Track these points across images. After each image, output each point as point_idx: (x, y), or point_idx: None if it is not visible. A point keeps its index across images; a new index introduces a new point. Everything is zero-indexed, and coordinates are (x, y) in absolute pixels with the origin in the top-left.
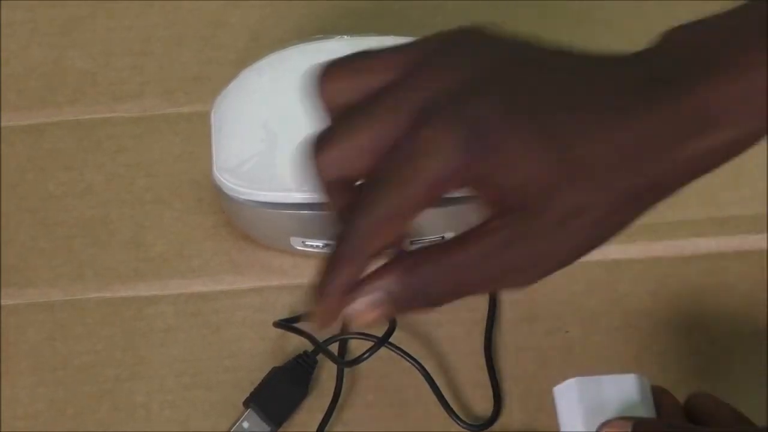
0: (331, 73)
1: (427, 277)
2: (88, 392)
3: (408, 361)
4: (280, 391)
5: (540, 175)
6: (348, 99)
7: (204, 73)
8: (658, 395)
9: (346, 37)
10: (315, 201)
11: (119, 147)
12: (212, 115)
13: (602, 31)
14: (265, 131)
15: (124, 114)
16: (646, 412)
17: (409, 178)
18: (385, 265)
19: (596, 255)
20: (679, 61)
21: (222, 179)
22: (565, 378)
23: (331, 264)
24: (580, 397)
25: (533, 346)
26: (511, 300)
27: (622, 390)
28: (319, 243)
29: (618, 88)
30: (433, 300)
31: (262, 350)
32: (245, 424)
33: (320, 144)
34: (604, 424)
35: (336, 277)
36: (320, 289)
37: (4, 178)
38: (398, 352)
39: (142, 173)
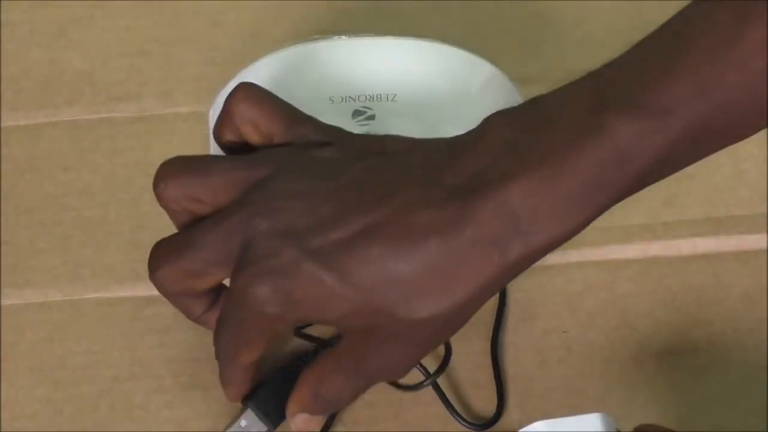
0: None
1: (323, 403)
2: (86, 392)
3: None
4: (279, 390)
5: (344, 313)
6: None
7: (202, 73)
8: None
9: (343, 37)
10: None
11: (117, 147)
12: (210, 115)
13: (596, 30)
14: None
15: (122, 114)
16: None
17: (240, 323)
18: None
19: (594, 255)
20: (485, 168)
21: None
22: (562, 378)
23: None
24: None
25: (531, 346)
26: (509, 301)
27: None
28: None
29: (419, 206)
30: (342, 404)
31: None
32: (243, 423)
33: (156, 262)
34: None
35: (229, 392)
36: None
37: (2, 179)
38: None
39: (141, 173)
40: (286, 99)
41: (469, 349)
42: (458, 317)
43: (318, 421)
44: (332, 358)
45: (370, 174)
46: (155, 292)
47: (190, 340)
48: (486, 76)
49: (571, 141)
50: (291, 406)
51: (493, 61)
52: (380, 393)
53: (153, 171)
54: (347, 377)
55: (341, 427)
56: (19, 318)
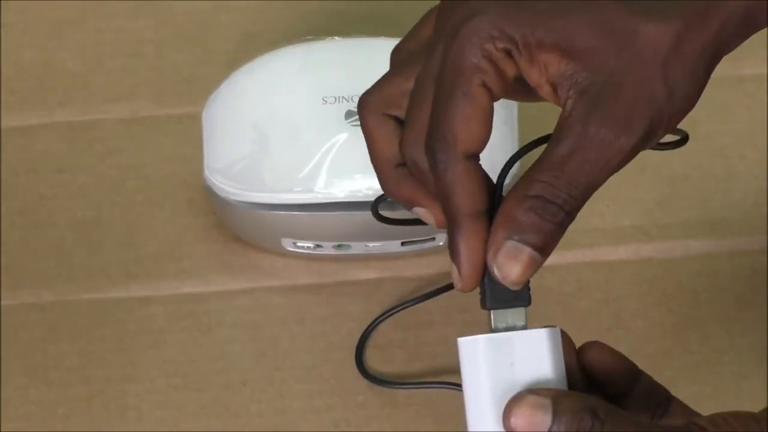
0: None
1: (554, 191)
2: (80, 393)
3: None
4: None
5: (612, 23)
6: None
7: (195, 75)
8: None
9: (336, 38)
10: (305, 202)
11: (110, 149)
12: (203, 116)
13: None
14: (257, 132)
15: (116, 116)
16: (556, 373)
17: (456, 49)
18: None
19: (588, 256)
20: None
21: (213, 180)
22: None
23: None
24: (487, 357)
25: None
26: None
27: (532, 349)
28: (310, 244)
29: None
30: (569, 215)
31: (252, 351)
32: (499, 325)
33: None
34: (513, 402)
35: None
36: (451, 246)
37: None
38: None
39: (134, 175)
40: (278, 99)
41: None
42: (698, 60)
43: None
44: (553, 156)
45: None
46: (148, 293)
47: (183, 341)
48: None
49: None
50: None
51: None
52: (376, 394)
53: (146, 172)
54: (586, 161)
55: (333, 427)
56: (13, 318)
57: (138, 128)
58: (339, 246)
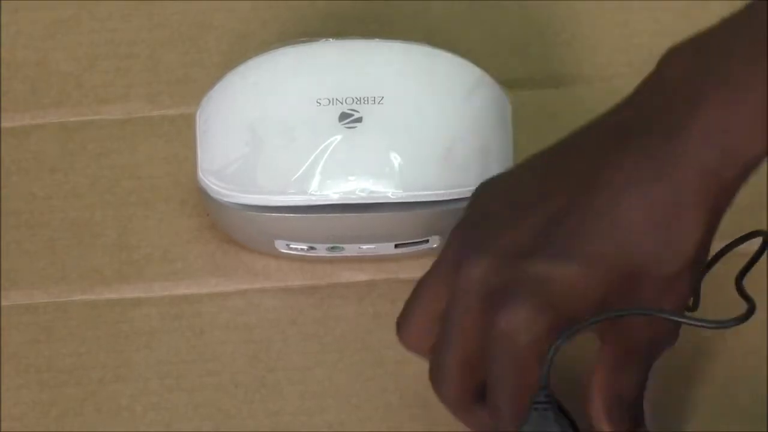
0: (405, 328)
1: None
2: (72, 394)
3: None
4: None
5: (599, 291)
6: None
7: (189, 75)
8: None
9: (330, 39)
10: (299, 204)
11: (104, 150)
12: (197, 117)
13: (583, 33)
14: (250, 134)
15: (109, 117)
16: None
17: (515, 358)
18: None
19: None
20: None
21: (207, 182)
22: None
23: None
24: None
25: None
26: None
27: None
28: (303, 246)
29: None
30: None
31: (245, 353)
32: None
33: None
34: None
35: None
36: None
37: None
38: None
39: (127, 176)
40: (272, 101)
41: None
42: (698, 255)
43: None
44: (608, 359)
45: (545, 164)
46: (141, 294)
47: (176, 342)
48: (473, 79)
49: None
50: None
51: (480, 64)
52: (369, 396)
53: (139, 173)
54: (633, 365)
55: (326, 429)
56: (4, 319)
57: (131, 129)
58: (332, 248)
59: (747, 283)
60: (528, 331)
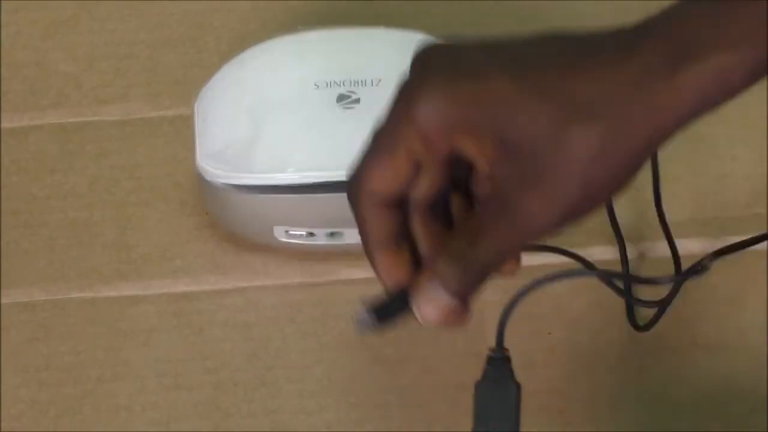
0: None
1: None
2: (71, 393)
3: None
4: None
5: (538, 118)
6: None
7: (188, 76)
8: None
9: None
10: (296, 182)
11: (103, 150)
12: (196, 108)
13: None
14: (249, 116)
15: (108, 117)
16: None
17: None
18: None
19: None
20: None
21: (205, 166)
22: (547, 380)
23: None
24: None
25: (516, 347)
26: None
27: None
28: (303, 231)
29: (606, 43)
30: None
31: (244, 351)
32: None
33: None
34: None
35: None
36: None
37: None
38: None
39: (126, 176)
40: (271, 86)
41: (455, 350)
42: (620, 164)
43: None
44: (478, 216)
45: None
46: (140, 292)
47: (175, 340)
48: None
49: None
50: (427, 283)
51: None
52: (368, 395)
53: (138, 173)
54: (501, 230)
55: (325, 428)
56: (4, 318)
57: (131, 129)
58: (332, 234)
59: (747, 282)
60: (432, 105)
